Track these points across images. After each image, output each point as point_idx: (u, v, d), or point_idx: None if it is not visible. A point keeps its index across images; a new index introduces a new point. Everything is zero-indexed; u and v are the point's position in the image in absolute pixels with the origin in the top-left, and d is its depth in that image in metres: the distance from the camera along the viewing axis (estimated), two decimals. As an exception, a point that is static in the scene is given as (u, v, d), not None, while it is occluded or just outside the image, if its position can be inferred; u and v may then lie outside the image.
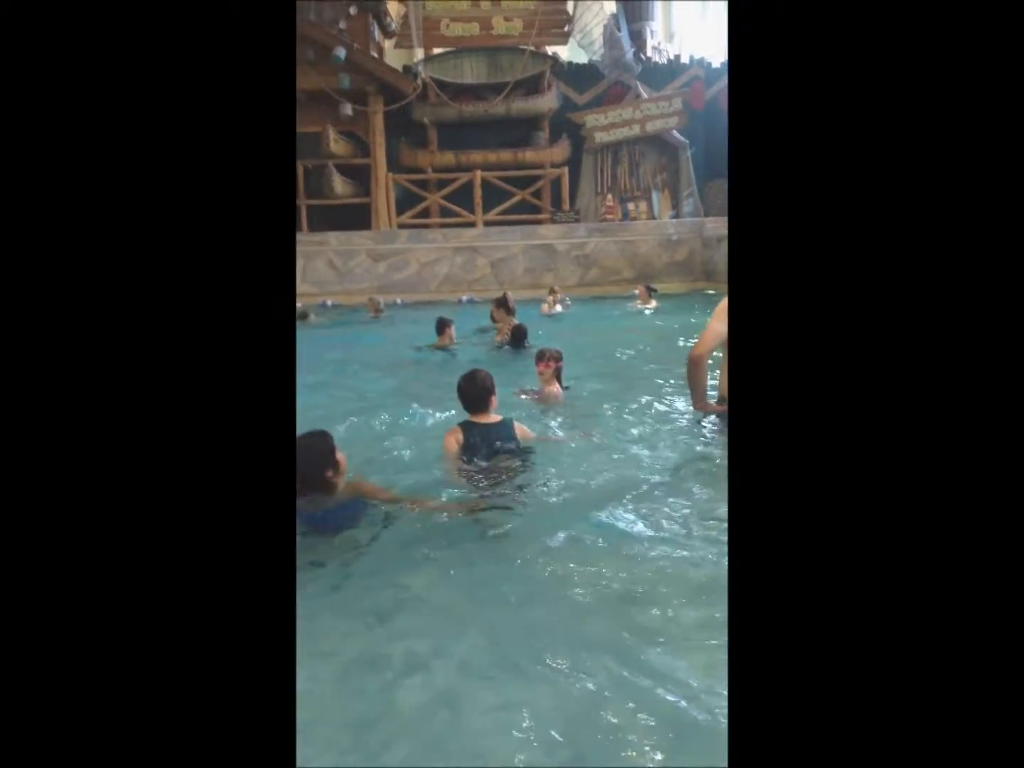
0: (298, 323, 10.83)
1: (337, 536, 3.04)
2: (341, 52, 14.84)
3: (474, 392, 3.81)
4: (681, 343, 7.65)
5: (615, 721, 1.91)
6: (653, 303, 11.28)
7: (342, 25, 15.86)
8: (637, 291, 11.80)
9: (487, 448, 3.70)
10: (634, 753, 1.81)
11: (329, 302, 13.33)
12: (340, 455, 3.14)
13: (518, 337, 7.39)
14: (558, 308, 11.02)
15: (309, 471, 3.00)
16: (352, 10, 16.16)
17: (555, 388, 5.19)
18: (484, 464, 3.65)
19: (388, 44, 17.83)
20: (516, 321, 7.88)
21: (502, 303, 8.34)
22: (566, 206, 16.43)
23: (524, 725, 1.91)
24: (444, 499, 3.40)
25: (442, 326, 7.99)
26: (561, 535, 3.03)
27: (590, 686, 2.04)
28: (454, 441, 3.74)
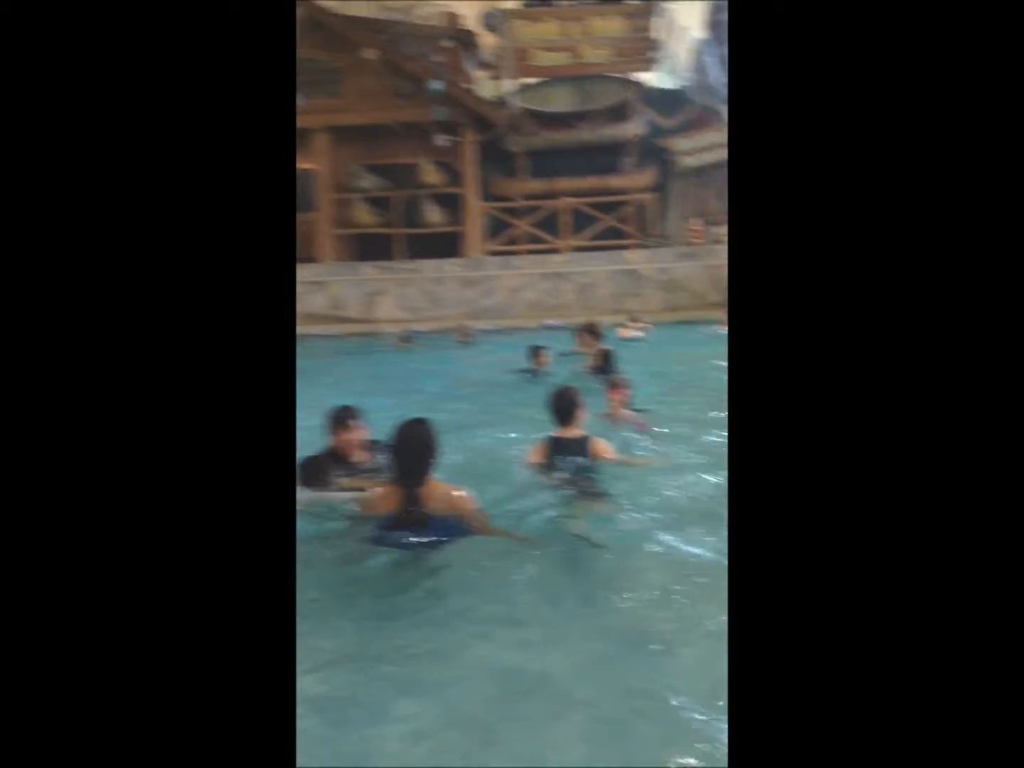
0: (402, 346, 11.41)
1: (429, 560, 3.07)
2: (439, 85, 15.38)
3: (561, 405, 4.14)
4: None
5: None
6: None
7: (437, 58, 16.44)
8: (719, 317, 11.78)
9: (564, 461, 4.00)
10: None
11: (423, 328, 13.78)
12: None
13: (607, 361, 7.59)
14: (636, 333, 11.14)
15: (411, 458, 3.12)
16: (446, 43, 16.75)
17: (624, 413, 5.43)
18: (564, 476, 3.95)
19: (481, 75, 18.37)
20: (603, 346, 8.04)
21: (589, 329, 8.51)
22: (652, 231, 16.55)
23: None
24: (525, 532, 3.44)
25: (535, 351, 8.33)
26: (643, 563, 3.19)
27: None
28: (538, 454, 4.10)
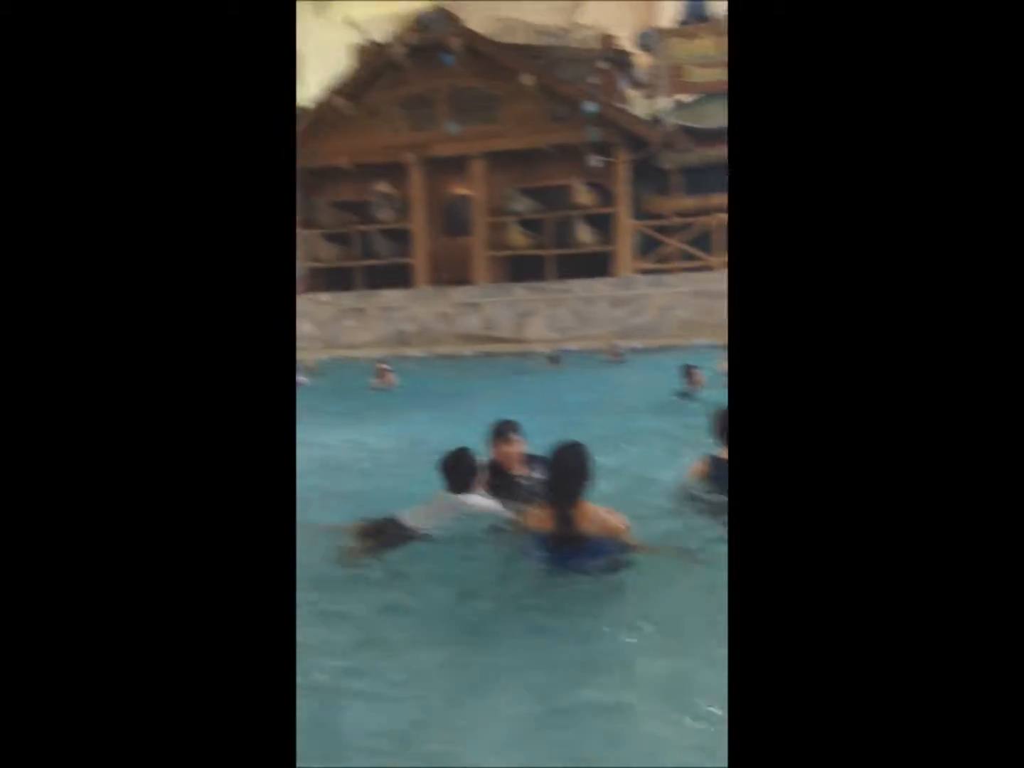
0: (550, 366, 11.53)
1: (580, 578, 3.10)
2: (591, 106, 15.52)
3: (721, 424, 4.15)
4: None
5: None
6: None
7: (592, 80, 16.60)
8: None
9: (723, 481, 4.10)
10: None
11: (574, 348, 13.88)
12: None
13: None
14: None
15: (566, 480, 3.20)
16: (602, 64, 16.88)
17: None
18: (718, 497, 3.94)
19: (635, 94, 18.38)
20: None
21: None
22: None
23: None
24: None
25: (687, 371, 8.28)
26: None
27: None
28: (699, 469, 4.16)
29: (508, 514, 3.72)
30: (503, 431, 4.22)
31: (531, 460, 4.16)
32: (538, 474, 3.88)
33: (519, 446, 4.21)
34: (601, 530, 3.25)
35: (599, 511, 3.29)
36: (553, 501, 3.27)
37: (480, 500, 3.78)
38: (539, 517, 3.33)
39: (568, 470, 3.27)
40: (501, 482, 4.04)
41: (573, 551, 3.20)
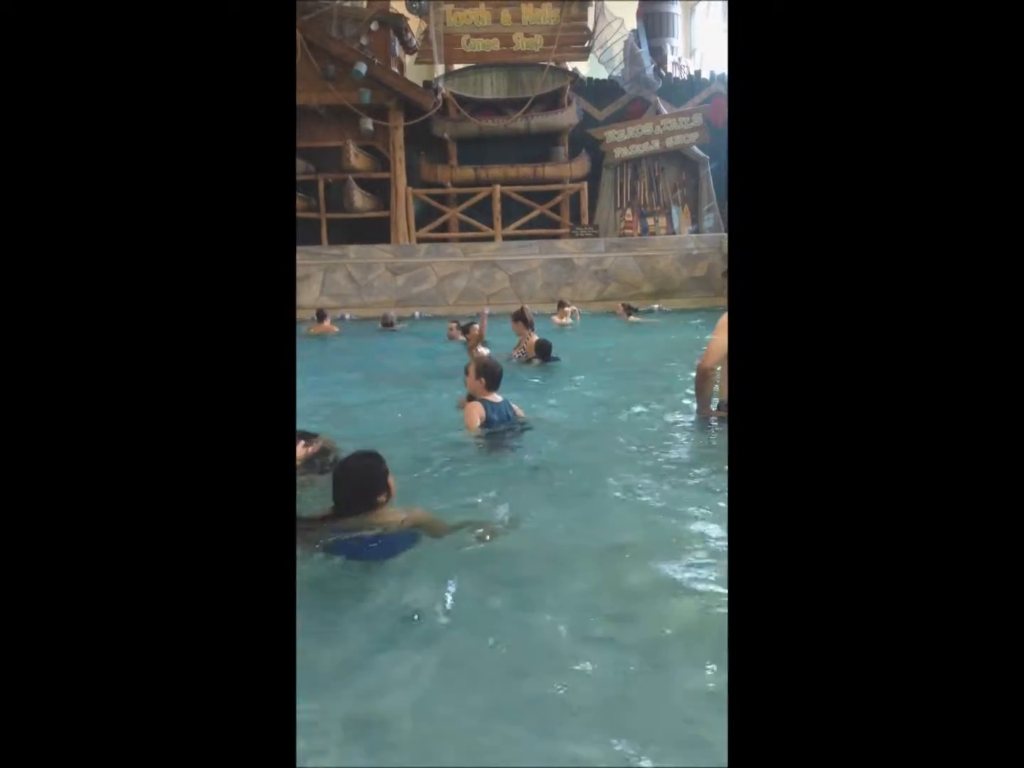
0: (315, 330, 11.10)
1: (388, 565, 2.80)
2: (362, 67, 14.94)
3: (498, 373, 4.79)
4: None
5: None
6: (633, 319, 11.91)
7: (364, 41, 15.97)
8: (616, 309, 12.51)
9: (499, 419, 4.67)
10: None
11: (347, 315, 13.35)
12: (391, 479, 2.98)
13: (544, 351, 7.66)
14: (567, 320, 11.56)
15: (358, 494, 2.87)
16: (373, 26, 16.28)
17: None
18: (498, 430, 4.60)
19: (409, 60, 17.96)
20: (535, 335, 7.88)
21: (520, 316, 8.31)
22: (585, 221, 16.41)
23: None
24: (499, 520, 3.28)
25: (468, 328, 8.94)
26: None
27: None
28: (476, 413, 4.59)
29: None
30: None
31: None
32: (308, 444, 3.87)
33: None
34: (413, 525, 2.97)
35: (398, 514, 2.97)
36: (340, 512, 2.90)
37: None
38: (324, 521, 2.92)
39: (357, 483, 2.91)
40: None
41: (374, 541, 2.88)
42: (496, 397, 4.76)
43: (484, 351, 8.13)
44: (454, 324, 10.21)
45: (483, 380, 4.73)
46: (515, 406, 4.88)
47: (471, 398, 4.79)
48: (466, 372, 4.89)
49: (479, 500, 3.55)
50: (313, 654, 2.12)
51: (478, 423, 4.58)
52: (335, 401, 6.20)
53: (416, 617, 2.44)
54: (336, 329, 11.61)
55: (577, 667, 2.12)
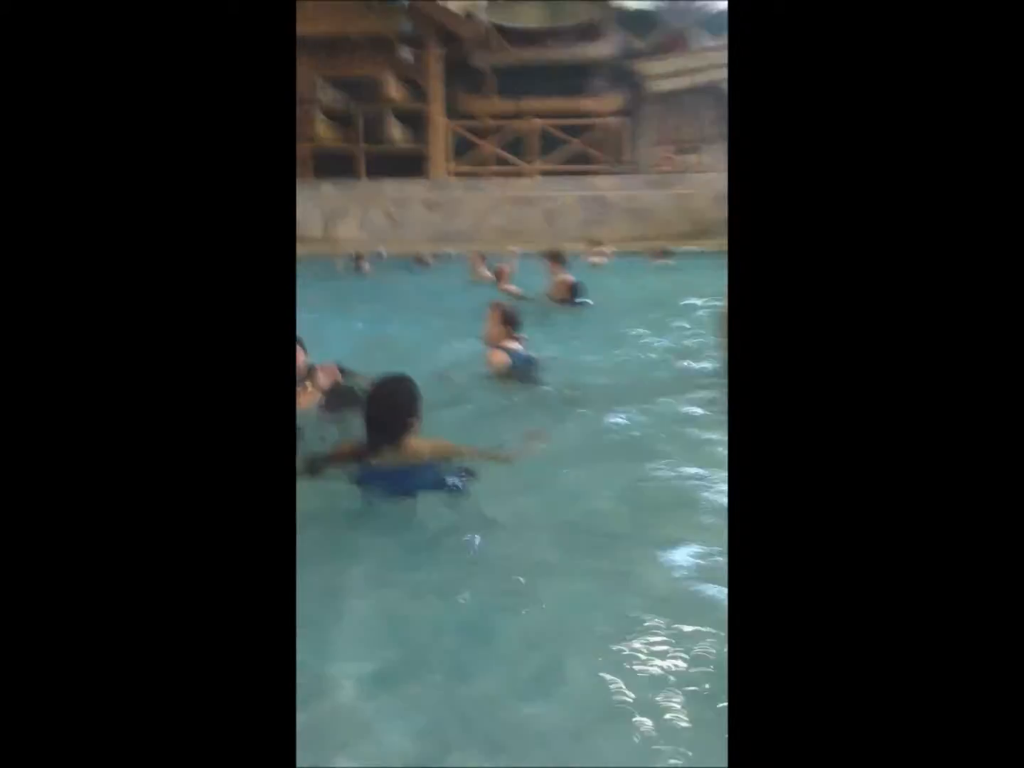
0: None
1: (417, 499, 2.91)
2: (404, -5, 14.74)
3: (519, 320, 4.87)
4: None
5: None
6: (668, 262, 11.84)
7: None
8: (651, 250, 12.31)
9: (521, 364, 4.73)
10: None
11: (383, 252, 13.48)
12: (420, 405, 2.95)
13: (575, 292, 7.68)
14: (599, 260, 11.51)
15: (394, 415, 2.87)
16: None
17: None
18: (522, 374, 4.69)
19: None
20: (569, 276, 7.95)
21: (555, 257, 8.38)
22: (621, 157, 16.24)
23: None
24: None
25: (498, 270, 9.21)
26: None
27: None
28: (502, 357, 4.67)
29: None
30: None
31: (321, 368, 4.09)
32: (334, 373, 4.03)
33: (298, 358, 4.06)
34: (429, 457, 3.00)
35: (424, 444, 2.98)
36: (372, 440, 2.90)
37: None
38: (353, 453, 2.99)
39: (389, 408, 2.90)
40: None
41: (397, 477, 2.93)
42: (517, 345, 4.78)
43: (515, 289, 8.26)
44: (481, 260, 10.11)
45: (507, 327, 4.78)
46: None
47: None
48: (488, 319, 4.89)
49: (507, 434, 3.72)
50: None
51: (503, 362, 4.67)
52: (362, 338, 6.39)
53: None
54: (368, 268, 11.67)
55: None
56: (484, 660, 2.10)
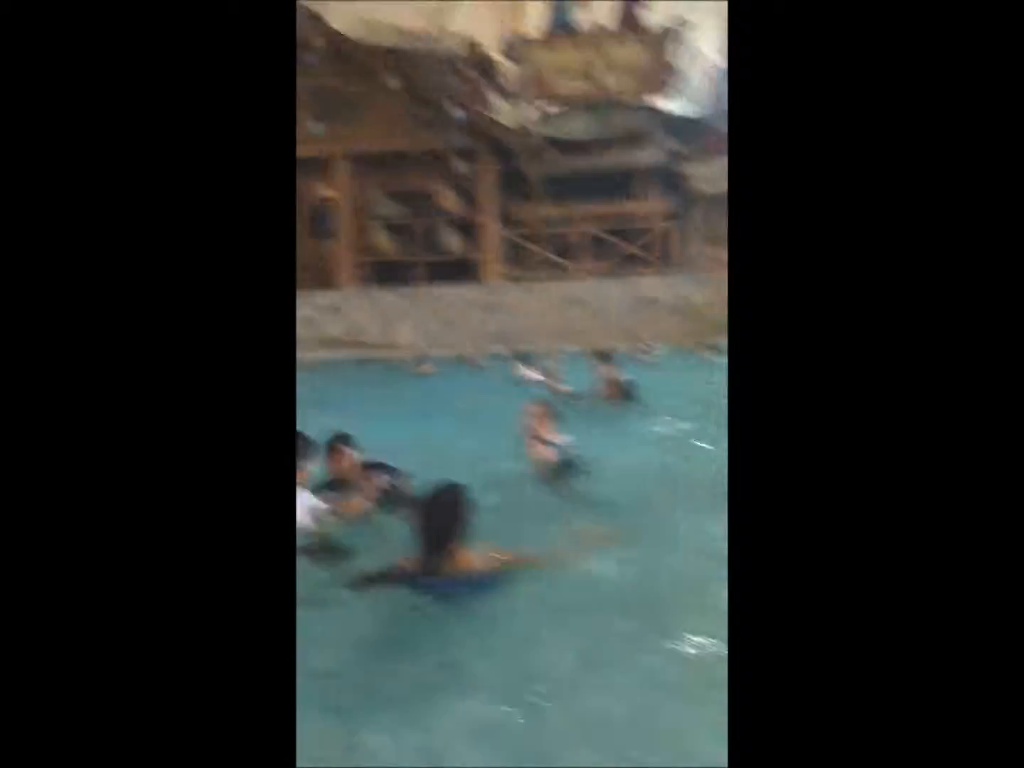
0: (418, 371, 11.60)
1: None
2: (460, 113, 15.46)
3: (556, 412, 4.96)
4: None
5: None
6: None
7: (459, 86, 16.54)
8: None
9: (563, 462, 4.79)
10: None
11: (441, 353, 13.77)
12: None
13: (626, 391, 7.76)
14: (648, 359, 11.69)
15: (443, 526, 2.81)
16: (467, 70, 16.86)
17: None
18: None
19: (499, 102, 18.47)
20: (619, 374, 8.03)
21: (603, 356, 8.49)
22: (671, 258, 16.48)
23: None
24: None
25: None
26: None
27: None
28: (545, 452, 4.76)
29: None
30: (332, 444, 4.22)
31: (371, 467, 4.18)
32: (385, 479, 4.07)
33: (349, 458, 4.19)
34: (479, 570, 2.96)
35: (475, 558, 2.95)
36: (425, 551, 2.88)
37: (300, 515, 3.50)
38: (410, 563, 2.96)
39: (440, 518, 2.88)
40: (343, 495, 4.03)
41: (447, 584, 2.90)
42: (558, 439, 4.88)
43: (564, 388, 8.37)
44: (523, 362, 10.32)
45: (546, 422, 4.88)
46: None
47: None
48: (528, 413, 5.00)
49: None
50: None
51: (546, 457, 4.77)
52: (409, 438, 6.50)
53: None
54: (432, 370, 11.83)
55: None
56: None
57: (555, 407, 5.11)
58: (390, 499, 3.99)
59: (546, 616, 2.88)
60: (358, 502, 3.98)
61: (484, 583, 2.89)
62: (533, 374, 9.79)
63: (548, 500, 4.51)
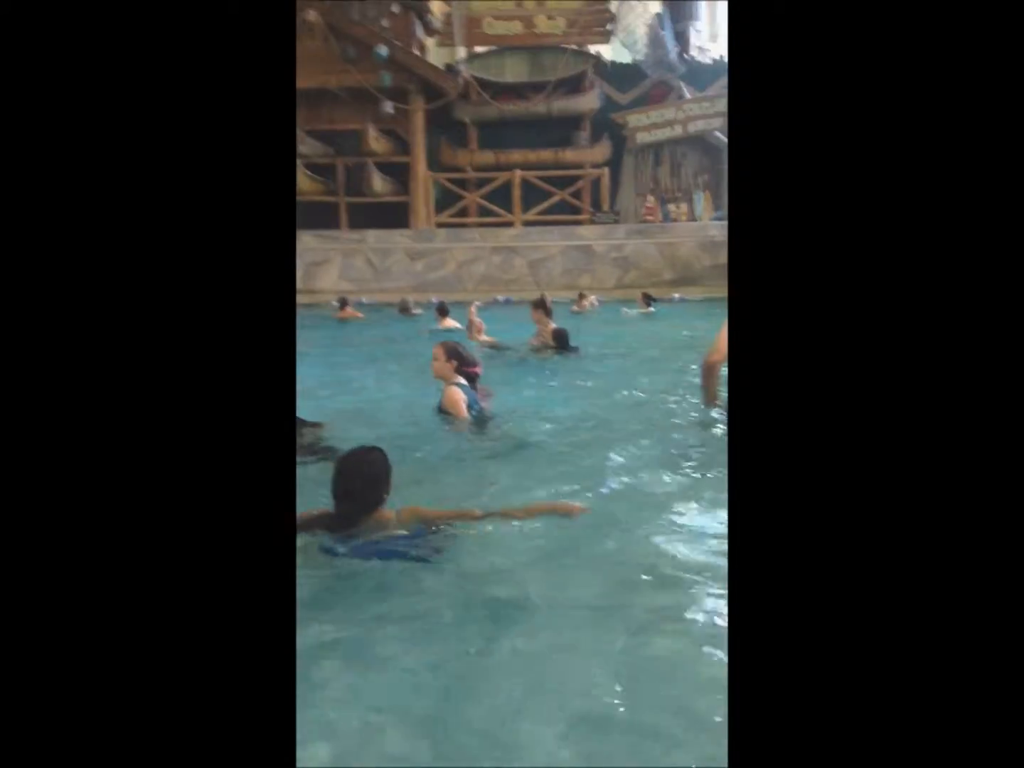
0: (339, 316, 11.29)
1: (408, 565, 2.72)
2: (383, 50, 14.84)
3: (467, 356, 4.79)
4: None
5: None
6: (650, 309, 11.80)
7: (385, 23, 15.85)
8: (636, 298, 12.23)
9: (470, 401, 4.65)
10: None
11: (364, 300, 13.31)
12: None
13: (561, 340, 7.53)
14: (586, 306, 11.65)
15: (366, 491, 2.78)
16: (395, 8, 16.16)
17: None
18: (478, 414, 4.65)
19: (430, 42, 17.81)
20: (553, 324, 7.80)
21: (540, 305, 8.24)
22: (606, 207, 16.26)
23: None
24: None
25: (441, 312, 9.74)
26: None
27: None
28: (459, 397, 4.57)
29: None
30: None
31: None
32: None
33: None
34: (399, 526, 2.85)
35: (395, 513, 2.85)
36: (341, 512, 2.79)
37: None
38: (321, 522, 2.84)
39: (360, 482, 2.79)
40: None
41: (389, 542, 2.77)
42: (462, 380, 4.74)
43: (487, 339, 8.15)
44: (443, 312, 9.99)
45: (453, 362, 4.72)
46: (482, 388, 4.91)
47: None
48: (435, 357, 4.81)
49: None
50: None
51: (464, 408, 4.59)
52: (343, 384, 6.27)
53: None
54: (361, 315, 11.58)
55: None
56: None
57: (457, 346, 4.86)
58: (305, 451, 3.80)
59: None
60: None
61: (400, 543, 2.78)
62: (452, 323, 9.47)
63: (462, 446, 4.35)
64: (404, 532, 2.81)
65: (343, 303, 11.76)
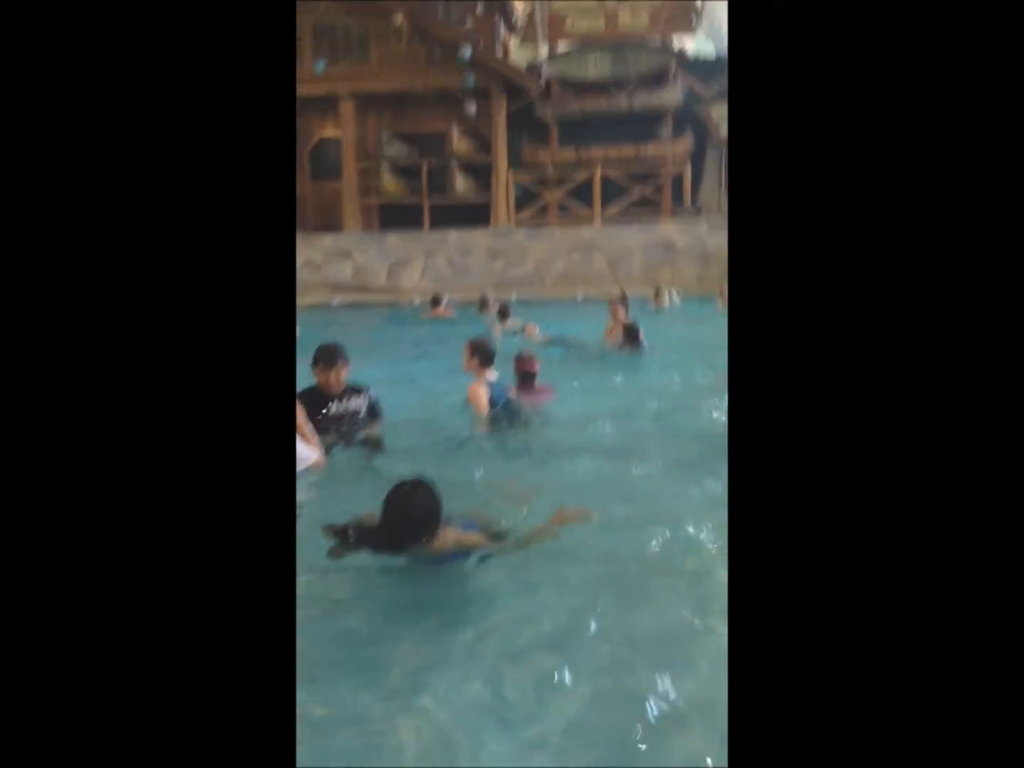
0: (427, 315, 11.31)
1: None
2: (467, 51, 15.02)
3: (489, 351, 4.74)
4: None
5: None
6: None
7: (469, 24, 16.05)
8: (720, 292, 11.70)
9: (496, 397, 4.56)
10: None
11: (445, 298, 13.49)
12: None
13: (631, 336, 7.40)
14: (664, 303, 11.45)
15: (411, 532, 2.63)
16: (479, 9, 16.35)
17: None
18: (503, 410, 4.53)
19: (513, 42, 17.94)
20: (627, 319, 7.78)
21: (619, 300, 8.25)
22: (687, 202, 16.08)
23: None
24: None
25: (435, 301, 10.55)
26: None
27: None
28: (483, 393, 4.50)
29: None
30: (326, 356, 4.12)
31: (351, 390, 4.21)
32: (354, 405, 4.16)
33: (338, 373, 4.12)
34: (458, 547, 2.77)
35: (451, 537, 2.74)
36: (391, 547, 2.72)
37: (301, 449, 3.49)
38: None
39: (408, 518, 2.64)
40: (318, 411, 4.05)
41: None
42: (491, 375, 4.69)
43: (539, 336, 8.11)
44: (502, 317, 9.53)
45: (477, 359, 4.67)
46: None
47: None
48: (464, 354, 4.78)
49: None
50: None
51: (484, 403, 4.50)
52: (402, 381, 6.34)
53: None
54: (451, 313, 11.17)
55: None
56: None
57: (482, 343, 4.83)
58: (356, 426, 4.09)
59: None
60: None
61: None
62: (508, 325, 9.17)
63: (483, 445, 4.35)
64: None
65: (436, 301, 11.39)
